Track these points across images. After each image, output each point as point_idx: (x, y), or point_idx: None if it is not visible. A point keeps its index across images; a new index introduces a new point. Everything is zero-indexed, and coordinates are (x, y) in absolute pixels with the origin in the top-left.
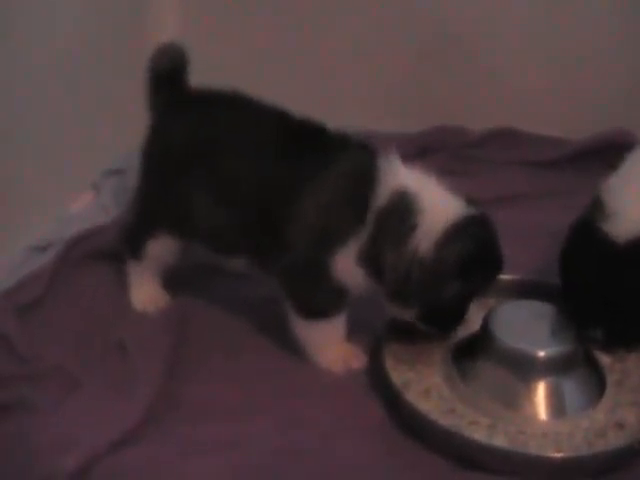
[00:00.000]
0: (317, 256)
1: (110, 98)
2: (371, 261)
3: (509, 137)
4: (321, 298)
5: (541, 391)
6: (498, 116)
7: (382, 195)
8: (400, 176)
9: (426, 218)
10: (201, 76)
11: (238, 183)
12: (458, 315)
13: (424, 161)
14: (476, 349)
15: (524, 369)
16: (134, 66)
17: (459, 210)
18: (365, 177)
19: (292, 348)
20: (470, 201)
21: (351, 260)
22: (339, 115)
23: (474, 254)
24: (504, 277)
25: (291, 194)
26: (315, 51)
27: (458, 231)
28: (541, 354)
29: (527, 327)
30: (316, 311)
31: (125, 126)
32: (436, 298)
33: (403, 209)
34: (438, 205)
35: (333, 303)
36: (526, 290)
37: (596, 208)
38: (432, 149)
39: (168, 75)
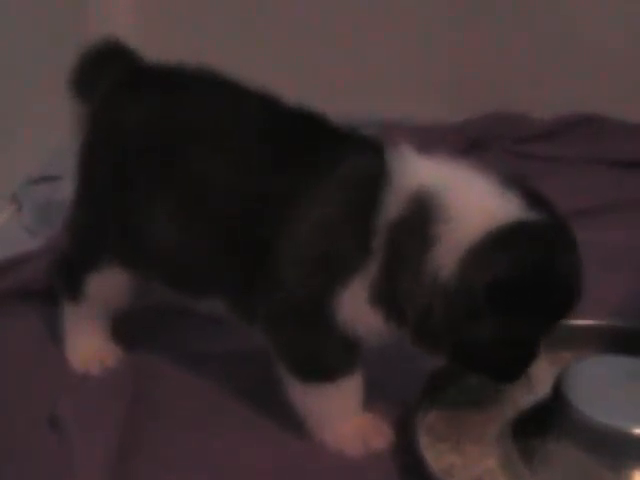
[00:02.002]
0: (315, 297)
1: (35, 87)
2: (388, 298)
3: (589, 127)
4: (324, 353)
5: None
6: (574, 99)
7: (394, 204)
8: (419, 174)
9: (451, 227)
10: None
11: (208, 196)
12: (518, 360)
13: (472, 159)
14: (546, 423)
15: (614, 453)
16: (66, 51)
17: (504, 215)
18: (370, 184)
19: (290, 422)
20: (532, 198)
21: (361, 299)
22: (360, 99)
23: (513, 283)
24: (584, 323)
25: (279, 212)
26: (329, 18)
27: (495, 246)
28: (638, 432)
29: (617, 393)
30: (318, 371)
31: (55, 120)
32: (463, 339)
33: (420, 217)
34: (472, 208)
35: (341, 360)
36: (615, 340)
37: None
38: (482, 143)
39: (110, 50)
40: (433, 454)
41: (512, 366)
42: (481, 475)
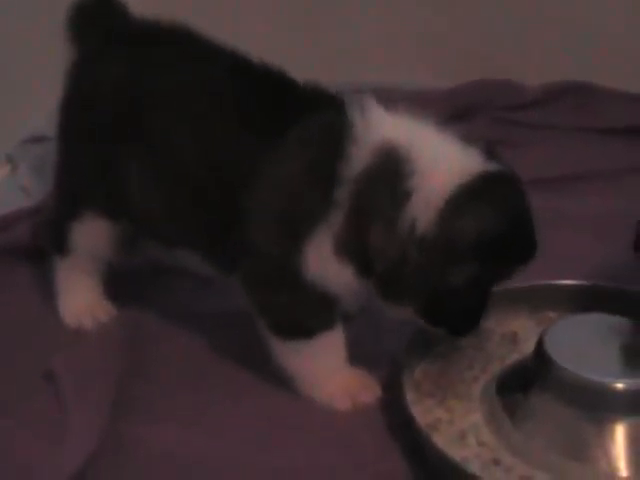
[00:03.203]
0: (282, 252)
1: (30, 47)
2: (355, 250)
3: (578, 94)
4: (299, 311)
5: (620, 437)
6: (563, 67)
7: (358, 157)
8: (383, 128)
9: (424, 180)
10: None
11: (177, 152)
12: (473, 310)
13: (459, 126)
14: (529, 379)
15: (596, 407)
16: (62, 11)
17: (472, 166)
18: (333, 137)
19: (280, 378)
20: (491, 153)
21: (327, 253)
22: (347, 67)
23: (496, 227)
24: (567, 283)
25: (246, 169)
26: None
27: (471, 195)
28: (619, 386)
29: (598, 350)
30: (296, 329)
31: (51, 80)
32: (440, 287)
33: (390, 171)
34: (441, 161)
35: (318, 317)
36: (596, 300)
37: None
38: (470, 111)
39: (94, 6)
40: (420, 409)
41: (474, 314)
42: (466, 430)
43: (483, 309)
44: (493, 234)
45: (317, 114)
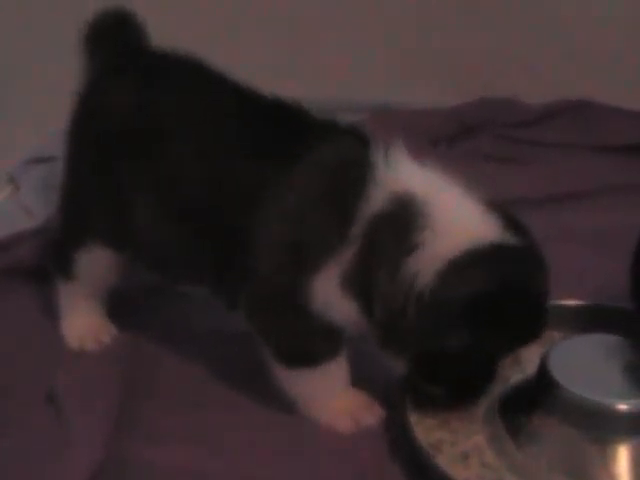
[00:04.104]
0: (288, 282)
1: (32, 65)
2: (361, 289)
3: (579, 112)
4: (304, 340)
5: (623, 458)
6: (564, 84)
7: (375, 199)
8: (403, 175)
9: (433, 237)
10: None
11: (184, 180)
12: (473, 379)
13: (462, 143)
14: (532, 400)
15: (598, 428)
16: (64, 25)
17: (484, 234)
18: (352, 173)
19: (281, 397)
20: (511, 223)
21: (334, 287)
22: (352, 84)
23: (491, 299)
24: (572, 303)
25: (254, 197)
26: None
27: (474, 263)
28: (622, 407)
29: (602, 370)
30: (300, 357)
31: (54, 101)
32: (433, 349)
33: (402, 221)
34: (455, 223)
35: (323, 346)
36: (601, 320)
37: None
38: (473, 128)
39: (110, 27)
40: (422, 430)
41: (474, 383)
42: (469, 451)
43: (487, 380)
44: (486, 306)
45: (333, 146)
